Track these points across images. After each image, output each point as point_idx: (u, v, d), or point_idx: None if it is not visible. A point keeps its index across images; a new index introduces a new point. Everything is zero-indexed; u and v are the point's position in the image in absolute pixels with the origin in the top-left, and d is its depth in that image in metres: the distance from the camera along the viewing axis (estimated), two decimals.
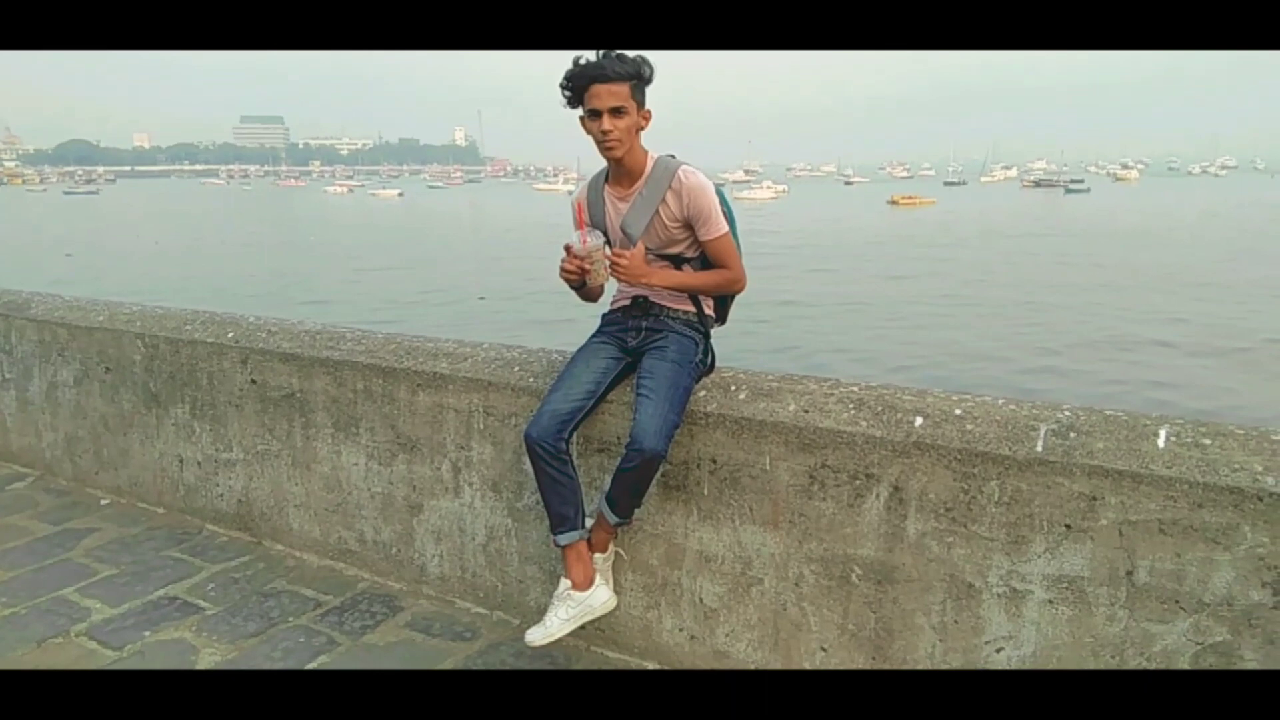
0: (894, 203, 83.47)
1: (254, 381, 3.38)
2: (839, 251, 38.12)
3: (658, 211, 2.38)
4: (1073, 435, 2.00)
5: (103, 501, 3.91)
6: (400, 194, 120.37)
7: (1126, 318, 21.04)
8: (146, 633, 2.81)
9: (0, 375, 4.29)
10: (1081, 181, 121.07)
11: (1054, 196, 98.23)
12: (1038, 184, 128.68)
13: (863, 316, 21.88)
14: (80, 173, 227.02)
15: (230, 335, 3.48)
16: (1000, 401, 2.19)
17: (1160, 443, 1.92)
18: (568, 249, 2.34)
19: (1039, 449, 2.00)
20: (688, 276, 2.45)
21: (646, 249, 2.42)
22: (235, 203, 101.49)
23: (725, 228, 2.39)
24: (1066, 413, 2.08)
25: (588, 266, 2.34)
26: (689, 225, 2.39)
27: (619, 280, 2.42)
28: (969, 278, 28.94)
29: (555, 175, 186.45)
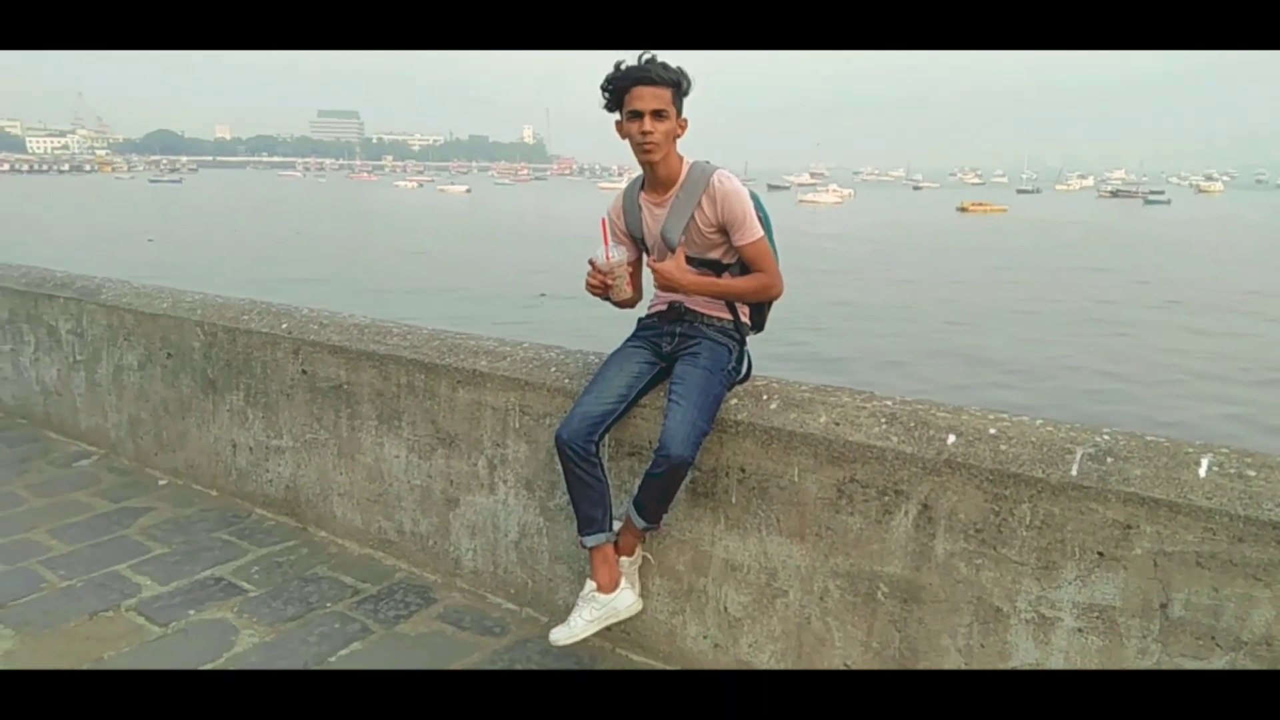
0: (963, 209, 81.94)
1: (304, 372, 3.47)
2: (898, 257, 37.46)
3: (693, 216, 2.39)
4: (1109, 460, 1.94)
5: (160, 482, 4.07)
6: (468, 190, 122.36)
7: (1197, 336, 20.25)
8: (191, 611, 2.91)
9: (72, 356, 4.49)
10: (1162, 192, 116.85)
11: (1132, 207, 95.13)
12: (1115, 194, 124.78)
13: (918, 325, 21.46)
14: (165, 162, 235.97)
15: (284, 326, 3.58)
16: (1038, 422, 2.13)
17: (1201, 472, 1.85)
18: (592, 263, 2.37)
19: (1073, 473, 1.95)
20: (724, 283, 2.44)
21: (685, 255, 2.43)
22: (310, 194, 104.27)
23: (760, 232, 2.38)
24: (1105, 436, 2.02)
25: (610, 281, 2.40)
26: (724, 230, 2.39)
27: (657, 286, 2.43)
28: (1034, 288, 28.15)
29: (620, 175, 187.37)
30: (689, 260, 2.43)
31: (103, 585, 3.07)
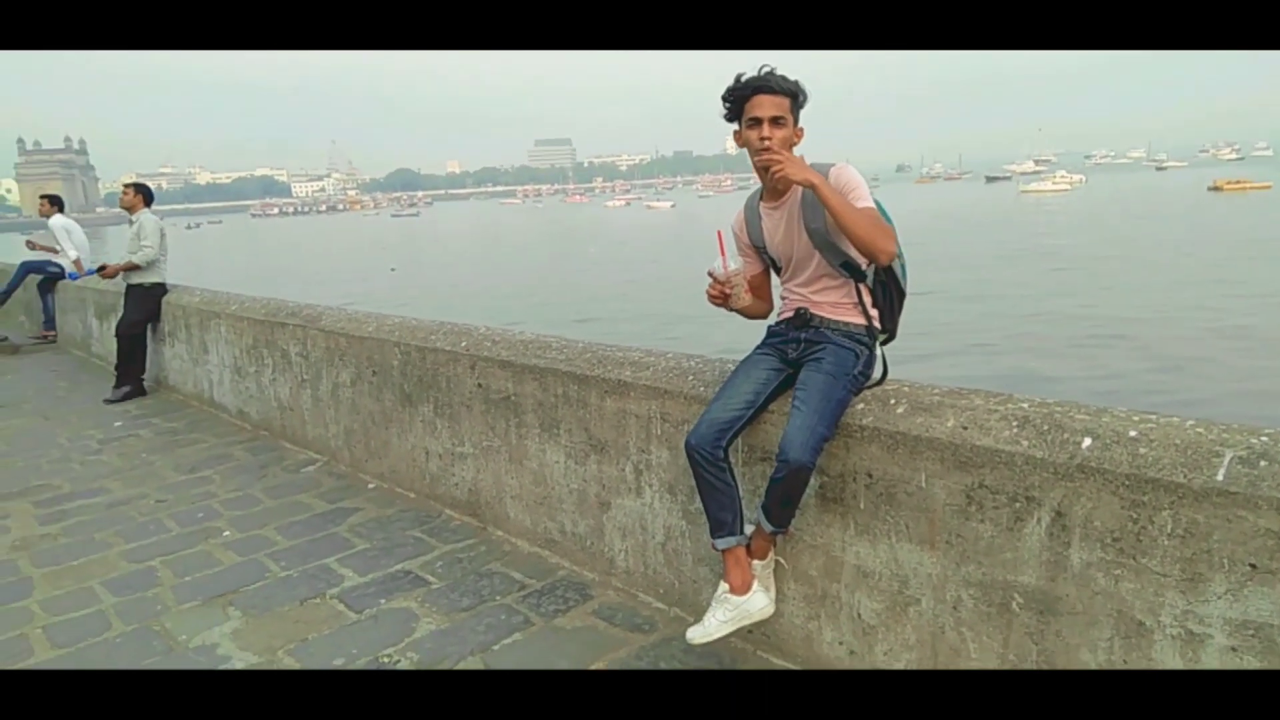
0: (1216, 188, 73.16)
1: (480, 385, 3.79)
2: (1131, 249, 33.98)
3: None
4: (1263, 464, 1.76)
5: (370, 485, 4.57)
6: (672, 205, 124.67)
7: None
8: (382, 600, 3.27)
9: (300, 376, 5.14)
10: None
11: None
12: None
13: (1154, 330, 19.24)
14: (404, 197, 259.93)
15: (463, 344, 3.93)
16: (1188, 423, 1.97)
17: None
18: (711, 274, 2.46)
19: (1219, 478, 1.78)
20: (842, 199, 2.31)
21: (816, 249, 2.45)
22: (528, 219, 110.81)
23: (873, 203, 2.37)
24: (1263, 439, 1.83)
25: (728, 290, 2.48)
26: None
27: (776, 177, 2.36)
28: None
29: None
30: (826, 260, 2.45)
31: (314, 576, 3.51)
